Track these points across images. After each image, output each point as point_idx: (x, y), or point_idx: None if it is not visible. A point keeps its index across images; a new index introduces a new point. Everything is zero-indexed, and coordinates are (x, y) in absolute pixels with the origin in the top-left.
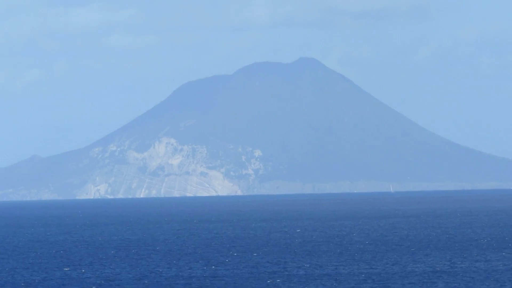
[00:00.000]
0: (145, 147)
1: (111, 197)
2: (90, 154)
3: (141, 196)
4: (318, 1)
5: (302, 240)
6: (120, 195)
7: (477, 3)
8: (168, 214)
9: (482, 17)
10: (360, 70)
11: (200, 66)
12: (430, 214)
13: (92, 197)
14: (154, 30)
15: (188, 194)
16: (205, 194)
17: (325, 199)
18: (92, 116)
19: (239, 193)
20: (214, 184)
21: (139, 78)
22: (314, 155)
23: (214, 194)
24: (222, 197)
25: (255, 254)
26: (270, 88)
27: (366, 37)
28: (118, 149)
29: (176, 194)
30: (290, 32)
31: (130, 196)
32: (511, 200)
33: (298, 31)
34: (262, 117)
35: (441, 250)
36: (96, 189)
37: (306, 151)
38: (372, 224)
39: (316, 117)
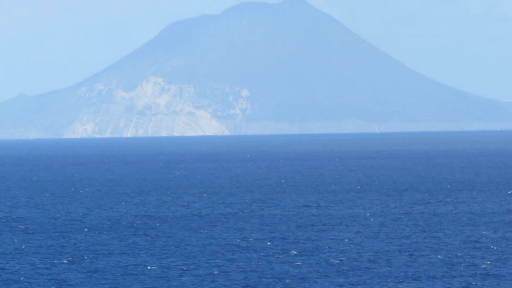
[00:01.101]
0: (132, 86)
1: (98, 136)
2: (78, 93)
3: (128, 135)
4: None
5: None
6: (107, 134)
7: None
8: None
9: None
10: (347, 11)
11: (187, 5)
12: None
13: (79, 136)
14: None
15: (175, 134)
16: (192, 133)
17: (309, 140)
18: (79, 55)
19: (226, 133)
20: (201, 123)
21: (127, 17)
22: (301, 96)
23: (201, 134)
24: (208, 137)
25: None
26: (257, 29)
27: None
28: (105, 88)
29: (163, 133)
30: None
31: (117, 136)
32: (487, 143)
33: None
34: (249, 57)
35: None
36: (83, 128)
37: (293, 91)
38: (349, 165)
39: (303, 57)
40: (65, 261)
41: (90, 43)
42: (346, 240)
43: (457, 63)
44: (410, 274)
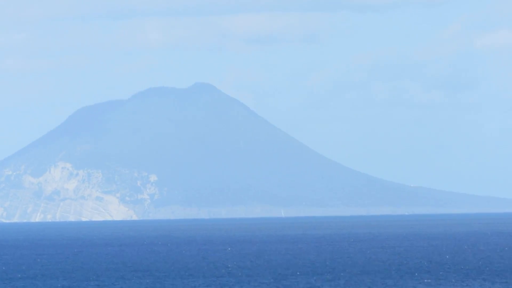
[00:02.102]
0: (40, 171)
1: (7, 221)
2: None
3: (37, 220)
4: (210, 26)
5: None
6: (15, 219)
7: (369, 29)
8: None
9: (374, 43)
10: (254, 95)
11: (94, 91)
12: (286, 240)
13: None
14: (47, 54)
15: (83, 219)
16: (100, 218)
17: (209, 225)
18: None
19: (135, 217)
20: (109, 208)
21: (34, 102)
22: (210, 180)
23: (109, 218)
24: (115, 222)
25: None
26: (165, 113)
27: (259, 61)
28: (13, 173)
29: (71, 218)
30: (183, 56)
31: (25, 220)
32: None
33: (191, 55)
34: (158, 142)
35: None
36: None
37: (201, 176)
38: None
39: (212, 142)
40: None
41: None
42: None
43: (364, 148)
44: None
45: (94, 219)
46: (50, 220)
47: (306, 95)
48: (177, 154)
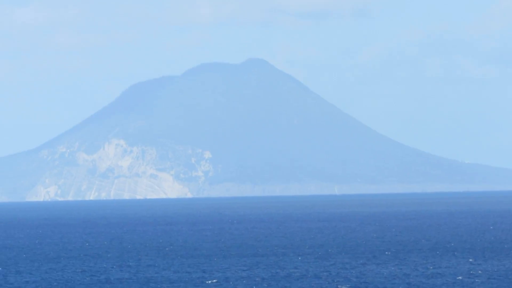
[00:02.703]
0: (94, 148)
1: (61, 199)
2: (40, 155)
3: (91, 198)
4: (261, 1)
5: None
6: (70, 197)
7: (420, 4)
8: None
9: (426, 17)
10: (307, 70)
11: (148, 67)
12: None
13: (42, 199)
14: (99, 30)
15: (138, 197)
16: (154, 196)
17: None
18: (41, 117)
19: (189, 195)
20: (164, 186)
21: (88, 78)
22: (264, 157)
23: (164, 196)
24: (169, 200)
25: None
26: (219, 89)
27: (311, 37)
28: (67, 150)
29: (126, 196)
30: (235, 31)
31: (79, 199)
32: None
33: (243, 31)
34: (211, 119)
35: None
36: (46, 191)
37: (255, 152)
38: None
39: (265, 118)
40: None
41: (51, 105)
42: None
43: (418, 124)
44: None
45: (148, 197)
46: (104, 198)
47: (358, 70)
48: (231, 131)
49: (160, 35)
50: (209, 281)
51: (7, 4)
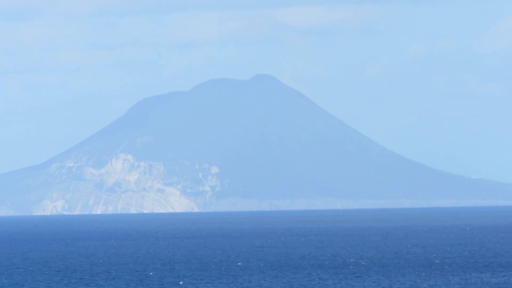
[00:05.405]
0: (102, 163)
1: (68, 213)
2: (48, 170)
3: (98, 212)
4: (264, 18)
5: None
6: (77, 212)
7: (425, 21)
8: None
9: (431, 34)
10: (315, 87)
11: (156, 82)
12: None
13: (49, 213)
14: (104, 47)
15: (145, 211)
16: (161, 210)
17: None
18: (49, 132)
19: (196, 209)
20: (170, 200)
21: (96, 94)
22: (271, 172)
23: (171, 210)
24: (176, 214)
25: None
26: (226, 105)
27: (317, 54)
28: (75, 165)
29: (133, 210)
30: (242, 48)
31: (87, 213)
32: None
33: (249, 48)
34: (219, 134)
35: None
36: (53, 205)
37: (262, 168)
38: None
39: (272, 133)
40: None
41: (59, 120)
42: None
43: (424, 140)
44: None
45: (155, 211)
46: (111, 212)
47: (365, 86)
48: (238, 146)
49: (167, 51)
50: None
51: (10, 21)
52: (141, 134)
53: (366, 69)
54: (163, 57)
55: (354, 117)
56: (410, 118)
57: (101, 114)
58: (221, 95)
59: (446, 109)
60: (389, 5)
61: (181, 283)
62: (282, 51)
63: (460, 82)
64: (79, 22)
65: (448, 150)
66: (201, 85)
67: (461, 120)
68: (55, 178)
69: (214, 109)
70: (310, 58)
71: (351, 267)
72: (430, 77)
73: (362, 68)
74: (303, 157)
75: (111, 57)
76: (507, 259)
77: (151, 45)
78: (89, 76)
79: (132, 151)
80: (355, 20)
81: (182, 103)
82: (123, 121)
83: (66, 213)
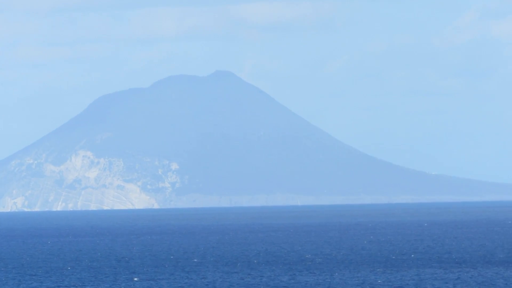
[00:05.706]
0: (61, 160)
1: (28, 210)
2: (7, 167)
3: (58, 209)
4: (224, 14)
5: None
6: (37, 208)
7: (384, 16)
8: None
9: (390, 30)
10: (274, 83)
11: (115, 79)
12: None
13: (9, 210)
14: (64, 43)
15: (105, 207)
16: (122, 207)
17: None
18: (8, 128)
19: (156, 206)
20: (131, 197)
21: (55, 91)
22: (231, 168)
23: (131, 207)
24: (135, 211)
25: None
26: (186, 101)
27: (277, 50)
28: (35, 162)
29: (93, 207)
30: (201, 44)
31: (47, 209)
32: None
33: (208, 44)
34: (179, 130)
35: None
36: (13, 202)
37: (222, 164)
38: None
39: (232, 130)
40: None
41: (19, 116)
42: None
43: (384, 136)
44: None
45: (115, 207)
46: (71, 209)
47: (324, 82)
48: (198, 142)
49: (127, 48)
50: None
51: None
52: (100, 130)
53: (326, 65)
54: (123, 53)
55: (314, 113)
56: (370, 113)
57: (61, 110)
58: (181, 92)
59: (406, 105)
60: (348, 0)
61: (135, 279)
62: (242, 47)
63: (420, 78)
64: (39, 18)
65: (408, 145)
66: (160, 81)
67: (421, 116)
68: (15, 175)
69: (174, 106)
70: (270, 54)
71: (306, 263)
72: (390, 73)
73: (322, 64)
74: (263, 153)
75: (71, 53)
76: (462, 255)
77: (110, 41)
78: (49, 72)
79: (91, 147)
80: (314, 16)
81: (141, 100)
82: (83, 118)
83: (26, 209)
